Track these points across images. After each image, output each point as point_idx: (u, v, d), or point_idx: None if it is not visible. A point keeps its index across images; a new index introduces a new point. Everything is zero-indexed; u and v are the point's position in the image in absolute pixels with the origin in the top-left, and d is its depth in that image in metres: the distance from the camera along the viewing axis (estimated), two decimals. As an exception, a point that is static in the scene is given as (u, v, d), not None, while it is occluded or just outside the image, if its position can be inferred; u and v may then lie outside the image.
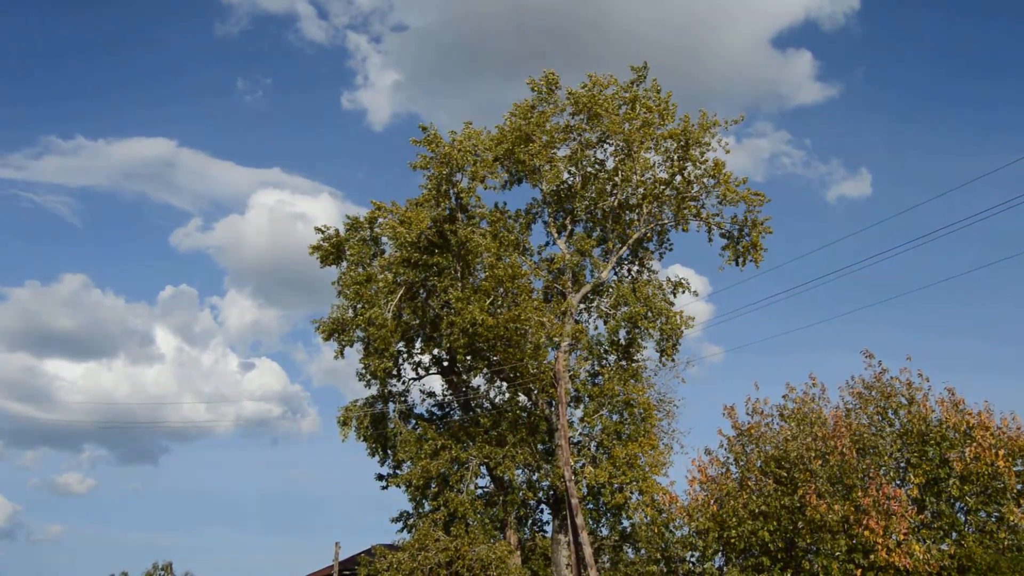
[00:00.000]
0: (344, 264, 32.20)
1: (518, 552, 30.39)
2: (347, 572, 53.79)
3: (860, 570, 17.09)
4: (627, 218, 32.43)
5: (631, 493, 27.01)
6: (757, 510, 18.96)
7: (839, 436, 19.77)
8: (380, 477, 33.74)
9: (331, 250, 32.06)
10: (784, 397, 22.48)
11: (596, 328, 31.89)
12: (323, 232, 32.24)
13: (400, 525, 32.29)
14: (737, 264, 31.07)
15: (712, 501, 20.22)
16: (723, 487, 20.27)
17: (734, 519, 18.96)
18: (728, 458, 21.65)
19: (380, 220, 31.26)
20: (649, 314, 30.38)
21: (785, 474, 19.64)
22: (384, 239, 31.71)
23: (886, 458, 19.92)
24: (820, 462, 19.37)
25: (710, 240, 31.72)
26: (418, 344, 32.83)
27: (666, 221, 32.39)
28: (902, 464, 20.06)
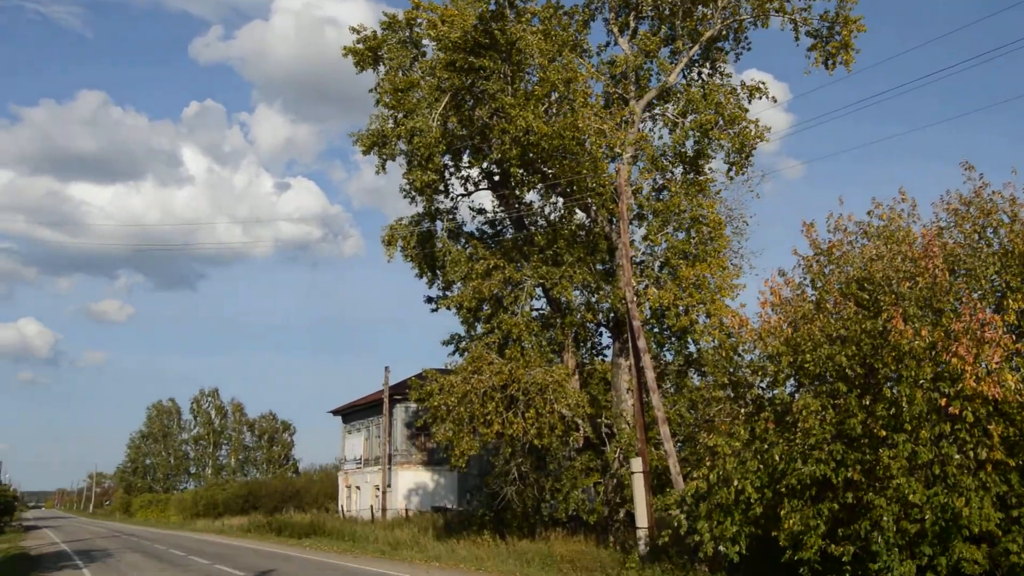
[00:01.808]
0: (382, 69, 31.35)
1: (576, 376, 31.10)
2: (398, 396, 56.23)
3: (945, 399, 16.96)
4: (699, 13, 30.81)
5: (697, 316, 27.11)
6: (835, 334, 18.71)
7: (931, 256, 19.11)
8: (429, 299, 34.28)
9: (367, 52, 31.12)
10: (869, 213, 21.70)
11: (661, 138, 30.99)
12: (358, 33, 31.23)
13: (451, 348, 33.20)
14: (826, 67, 29.56)
15: (786, 324, 20.03)
16: (798, 309, 19.97)
17: (809, 343, 18.75)
18: (805, 279, 21.24)
19: (420, 20, 30.13)
20: (721, 122, 29.37)
21: (868, 297, 19.25)
22: (425, 41, 30.68)
23: (982, 281, 19.32)
24: (908, 284, 18.89)
25: (796, 39, 30.14)
26: (466, 157, 32.36)
27: (744, 16, 30.74)
28: (1000, 288, 19.48)
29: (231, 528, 62.08)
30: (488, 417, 27.10)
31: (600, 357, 34.45)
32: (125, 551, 40.99)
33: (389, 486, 54.18)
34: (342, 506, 61.24)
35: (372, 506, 55.10)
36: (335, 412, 68.64)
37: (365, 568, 29.16)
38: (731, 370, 21.30)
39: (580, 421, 28.51)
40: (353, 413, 65.53)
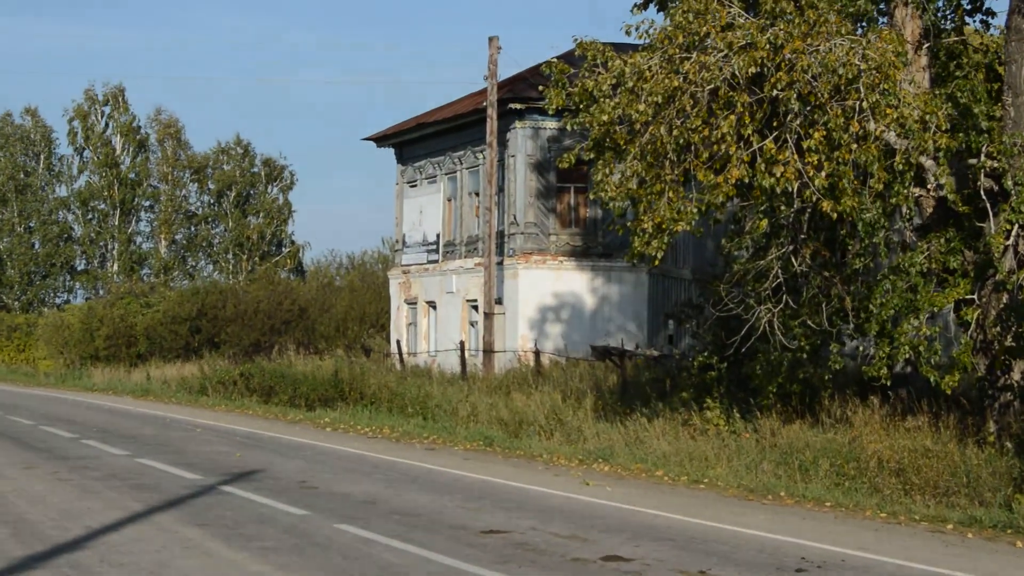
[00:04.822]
0: None
1: (923, 59, 30.47)
2: (516, 105, 56.04)
3: None
4: None
5: None
6: None
7: None
8: None
9: None
10: None
11: None
12: None
13: (640, -7, 32.87)
14: None
15: None
16: None
17: None
18: None
19: None
20: None
21: None
22: None
23: None
24: None
25: None
26: None
27: None
28: None
29: (166, 386, 64.87)
30: (720, 147, 26.71)
31: (974, 19, 33.56)
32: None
33: (499, 302, 55.05)
34: (397, 343, 62.84)
35: (462, 343, 56.29)
36: (379, 140, 69.32)
37: (452, 472, 29.99)
38: None
39: (927, 161, 27.88)
40: (418, 143, 66.07)
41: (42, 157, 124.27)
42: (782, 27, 26.91)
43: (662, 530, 21.33)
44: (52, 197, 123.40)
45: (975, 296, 28.28)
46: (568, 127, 33.06)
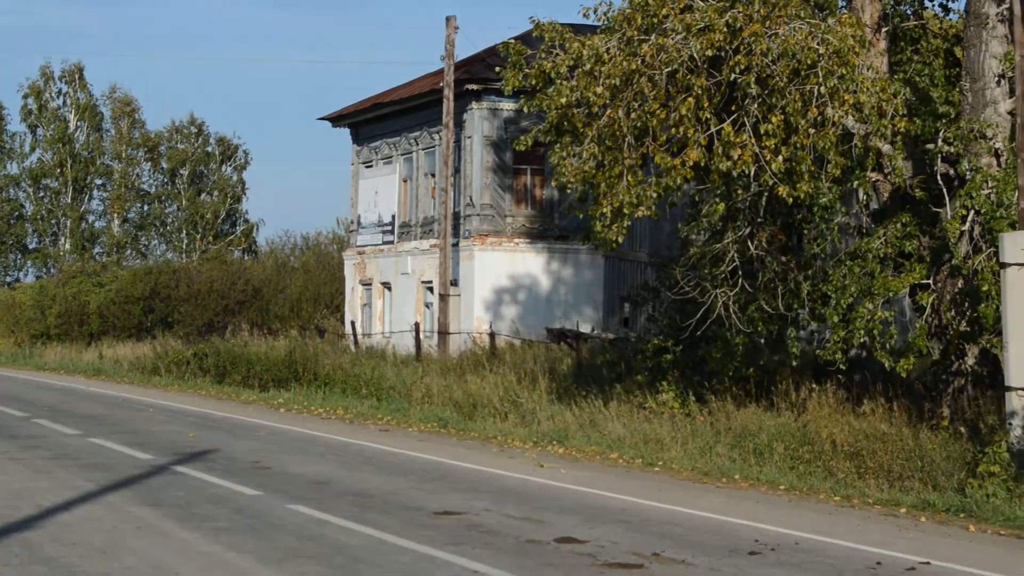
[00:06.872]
0: None
1: (882, 43, 30.50)
2: (473, 86, 55.88)
3: None
4: None
5: None
6: None
7: None
8: None
9: None
10: None
11: None
12: None
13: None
14: None
15: None
16: None
17: None
18: None
19: None
20: None
21: None
22: None
23: None
24: None
25: None
26: None
27: None
28: None
29: (119, 365, 64.89)
30: (678, 130, 26.70)
31: (933, 3, 33.74)
32: None
33: (454, 283, 54.91)
34: (352, 324, 62.64)
35: (417, 325, 56.24)
36: (335, 120, 69.11)
37: (406, 453, 30.06)
38: None
39: (885, 145, 27.93)
40: (374, 123, 65.77)
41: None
42: (741, 10, 26.88)
43: (616, 512, 21.34)
44: (3, 174, 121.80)
45: (930, 281, 28.28)
46: (525, 109, 33.04)
